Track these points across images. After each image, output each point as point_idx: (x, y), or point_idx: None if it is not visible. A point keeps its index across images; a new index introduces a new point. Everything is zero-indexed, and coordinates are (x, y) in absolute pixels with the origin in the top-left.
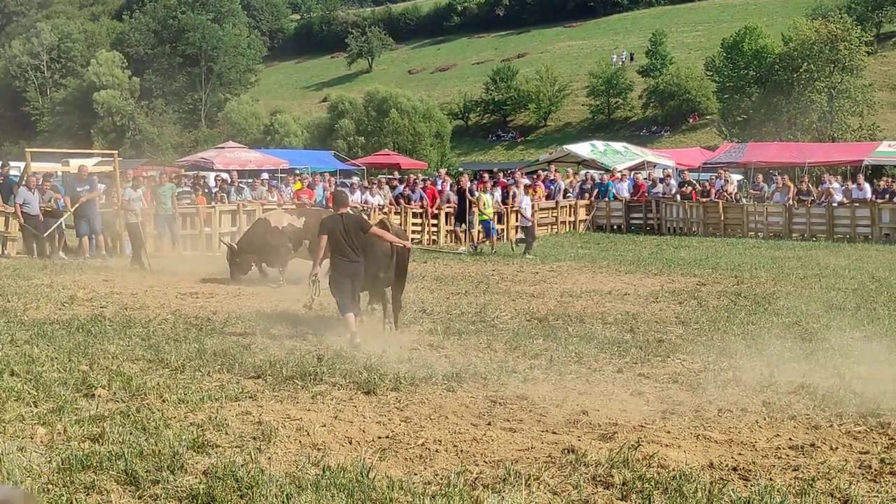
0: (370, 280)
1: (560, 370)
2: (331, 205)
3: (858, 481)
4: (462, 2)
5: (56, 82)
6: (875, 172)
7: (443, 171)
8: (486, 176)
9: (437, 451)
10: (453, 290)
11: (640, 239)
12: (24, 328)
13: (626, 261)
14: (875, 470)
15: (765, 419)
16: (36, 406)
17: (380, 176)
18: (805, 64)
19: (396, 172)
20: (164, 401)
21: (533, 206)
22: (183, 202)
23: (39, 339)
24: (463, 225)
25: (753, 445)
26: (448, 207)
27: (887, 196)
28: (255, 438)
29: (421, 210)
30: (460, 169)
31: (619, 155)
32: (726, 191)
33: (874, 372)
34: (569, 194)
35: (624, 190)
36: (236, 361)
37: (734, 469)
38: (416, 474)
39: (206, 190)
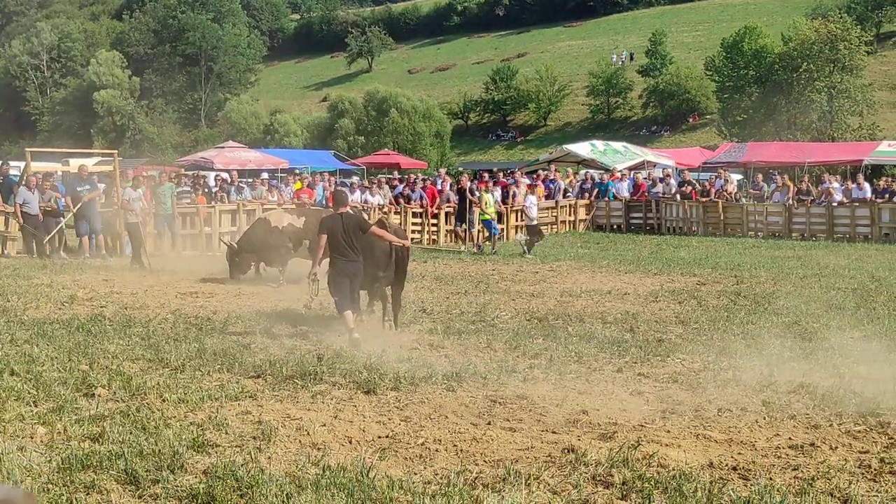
0: (369, 279)
1: (560, 370)
2: (330, 204)
3: (858, 481)
4: (462, 2)
5: (56, 82)
6: (875, 172)
7: (443, 170)
8: (486, 176)
9: (437, 450)
10: (453, 290)
11: (640, 238)
12: (24, 328)
13: (625, 260)
14: (875, 469)
15: (764, 419)
16: (36, 405)
17: (380, 176)
18: (805, 64)
19: (396, 172)
20: (164, 400)
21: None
22: (183, 202)
23: (39, 338)
24: (463, 224)
25: (753, 445)
26: (448, 207)
27: (887, 196)
28: (255, 438)
29: (421, 210)
30: (460, 168)
31: (618, 155)
32: (726, 190)
33: (874, 371)
34: (569, 194)
35: (624, 190)
36: (236, 361)
37: (734, 468)
38: (416, 474)
39: (206, 189)
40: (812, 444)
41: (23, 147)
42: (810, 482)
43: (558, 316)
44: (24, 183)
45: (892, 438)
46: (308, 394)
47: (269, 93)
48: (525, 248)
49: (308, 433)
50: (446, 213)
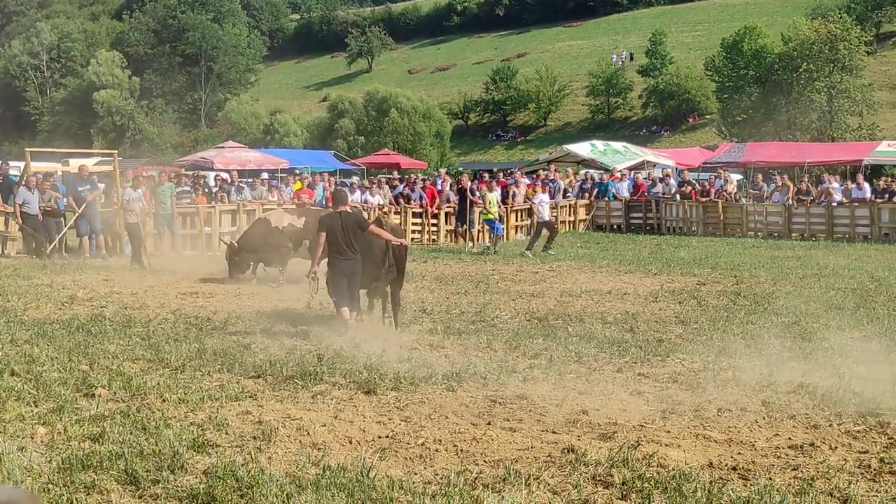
0: (368, 278)
1: (560, 370)
2: (330, 204)
3: (858, 481)
4: (462, 2)
5: (56, 82)
6: (874, 172)
7: (443, 170)
8: (487, 175)
9: (437, 450)
10: (453, 290)
11: (640, 239)
12: (25, 328)
13: (625, 260)
14: (874, 469)
15: (764, 419)
16: (36, 406)
17: (380, 176)
18: (805, 64)
19: (396, 172)
20: (164, 400)
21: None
22: (183, 202)
23: (39, 338)
24: (464, 225)
25: (753, 445)
26: (448, 207)
27: (887, 196)
28: (255, 438)
29: (421, 210)
30: (460, 168)
31: (618, 155)
32: (726, 190)
33: (873, 371)
34: (568, 194)
35: (624, 190)
36: (236, 361)
37: (734, 468)
38: (416, 474)
39: (206, 189)
40: (812, 444)
41: (23, 147)
42: (810, 482)
43: (558, 316)
44: (23, 183)
45: (891, 438)
46: (308, 394)
47: (269, 93)
48: (529, 245)
49: (308, 433)
50: (446, 214)
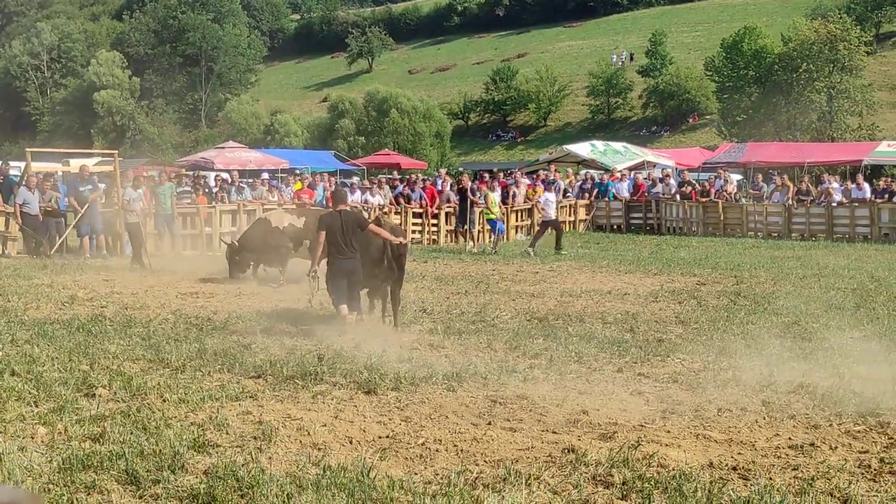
0: (368, 277)
1: (560, 370)
2: (330, 204)
3: (858, 480)
4: (462, 2)
5: (56, 82)
6: (874, 172)
7: (443, 170)
8: (487, 175)
9: (437, 450)
10: (453, 290)
11: (640, 239)
12: (25, 328)
13: (625, 260)
14: (874, 469)
15: (764, 419)
16: (36, 406)
17: (380, 176)
18: (804, 64)
19: (396, 172)
20: (164, 400)
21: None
22: (183, 202)
23: (40, 338)
24: (465, 225)
25: (753, 445)
26: (448, 207)
27: (886, 196)
28: (255, 438)
29: (421, 210)
30: (460, 169)
31: (618, 155)
32: (726, 191)
33: (873, 371)
34: (568, 194)
35: (624, 190)
36: (237, 361)
37: (734, 468)
38: (416, 474)
39: (207, 190)
40: (812, 444)
41: (23, 147)
42: (810, 482)
43: (558, 316)
44: (24, 183)
45: (891, 438)
46: (309, 394)
47: (269, 93)
48: (532, 243)
49: (309, 433)
50: (446, 214)
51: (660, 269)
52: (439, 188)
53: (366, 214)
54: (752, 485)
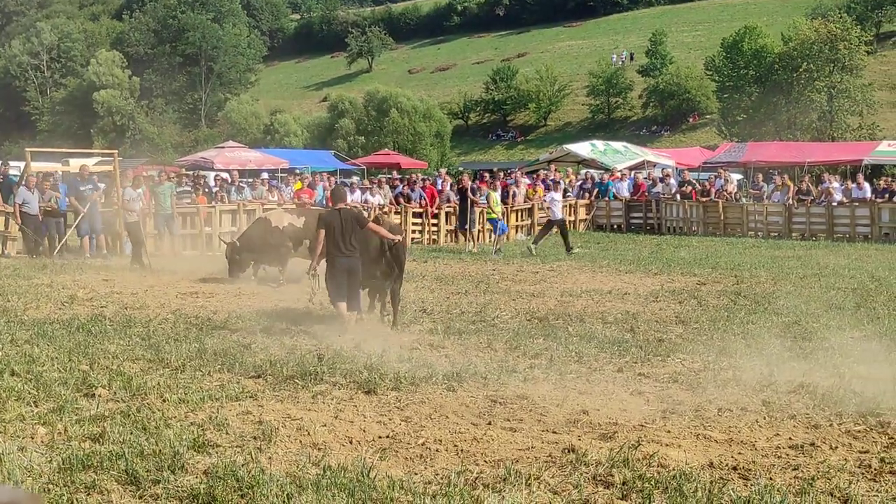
0: (367, 275)
1: (560, 370)
2: (330, 203)
3: (858, 480)
4: (462, 2)
5: (56, 82)
6: (875, 172)
7: (443, 170)
8: (487, 175)
9: (437, 450)
10: (453, 290)
11: (640, 238)
12: (25, 328)
13: (626, 260)
14: (875, 469)
15: (764, 418)
16: (36, 406)
17: (380, 175)
18: (805, 63)
19: (396, 172)
20: (164, 400)
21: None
22: (183, 202)
23: (40, 338)
24: (465, 225)
25: (753, 445)
26: (448, 207)
27: (887, 195)
28: (255, 438)
29: (421, 210)
30: (460, 168)
31: (619, 154)
32: (726, 190)
33: (874, 371)
34: (569, 194)
35: (624, 189)
36: (237, 361)
37: (734, 468)
38: (416, 474)
39: (207, 189)
40: (812, 444)
41: (23, 147)
42: (810, 482)
43: (559, 316)
44: (23, 183)
45: (892, 438)
46: (308, 394)
47: (269, 93)
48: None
49: (309, 433)
50: (446, 213)
51: (660, 268)
52: (439, 188)
53: (365, 214)
54: (752, 485)
